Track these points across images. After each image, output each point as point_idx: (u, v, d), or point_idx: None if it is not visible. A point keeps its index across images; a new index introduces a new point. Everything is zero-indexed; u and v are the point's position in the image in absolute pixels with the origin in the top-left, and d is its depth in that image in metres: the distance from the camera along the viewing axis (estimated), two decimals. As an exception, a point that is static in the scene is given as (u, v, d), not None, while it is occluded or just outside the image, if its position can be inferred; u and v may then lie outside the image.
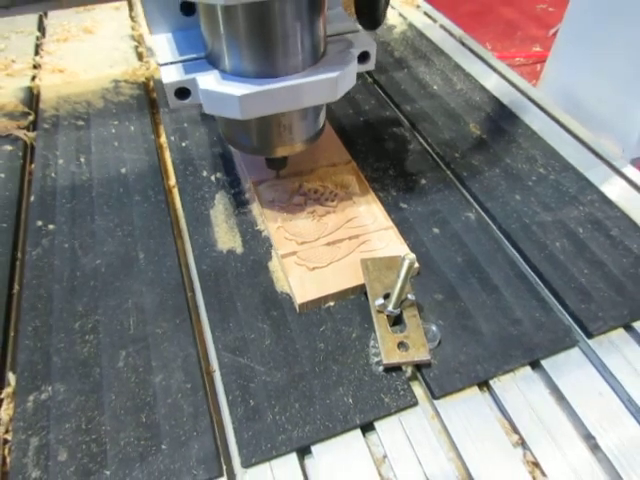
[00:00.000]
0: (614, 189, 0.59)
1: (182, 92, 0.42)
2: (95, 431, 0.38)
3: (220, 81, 0.41)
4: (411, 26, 0.90)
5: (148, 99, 0.72)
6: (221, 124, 0.51)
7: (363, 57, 0.45)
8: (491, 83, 0.76)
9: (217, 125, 0.52)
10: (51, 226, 0.53)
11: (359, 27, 0.47)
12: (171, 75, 0.41)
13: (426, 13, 0.94)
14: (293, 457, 0.38)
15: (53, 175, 0.59)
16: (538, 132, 0.66)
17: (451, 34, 0.88)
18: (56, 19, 0.89)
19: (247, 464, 0.37)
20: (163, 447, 0.37)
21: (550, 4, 2.36)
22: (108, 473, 0.36)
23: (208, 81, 0.41)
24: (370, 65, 0.46)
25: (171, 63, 0.43)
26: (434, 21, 0.92)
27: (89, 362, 0.42)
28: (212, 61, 0.43)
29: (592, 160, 0.63)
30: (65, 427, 0.38)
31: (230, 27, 0.39)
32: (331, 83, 0.42)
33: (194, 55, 0.43)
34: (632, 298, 0.47)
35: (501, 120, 0.68)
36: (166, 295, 0.47)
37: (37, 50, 0.81)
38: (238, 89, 0.40)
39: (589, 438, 0.39)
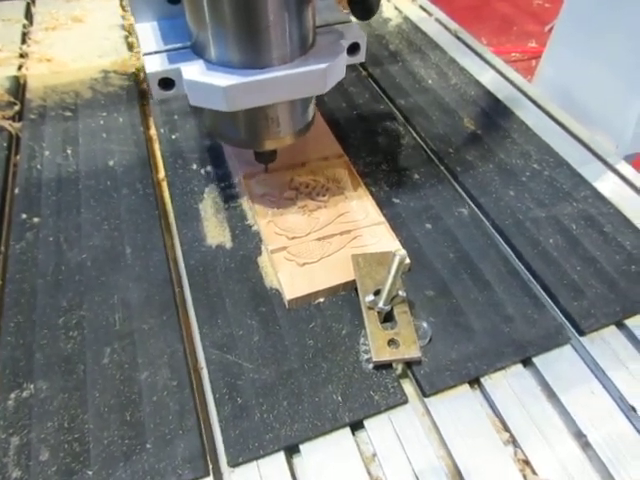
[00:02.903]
0: (608, 185, 0.58)
1: (166, 83, 0.40)
2: (78, 430, 0.37)
3: (205, 71, 0.40)
4: (406, 19, 0.89)
5: (138, 90, 0.70)
6: (207, 116, 0.50)
7: (353, 49, 0.44)
8: (486, 78, 0.75)
9: (203, 118, 0.51)
10: (36, 219, 0.52)
11: (349, 18, 0.45)
12: (154, 65, 0.40)
13: (421, 6, 0.93)
14: (281, 456, 0.37)
15: (39, 167, 0.58)
16: (533, 128, 0.65)
17: (446, 28, 0.87)
18: (44, 7, 0.87)
19: (234, 463, 0.36)
20: (148, 446, 0.36)
21: (546, 0, 2.35)
22: (90, 473, 0.35)
23: (192, 71, 0.40)
24: (360, 57, 0.45)
25: (155, 52, 0.41)
26: (429, 15, 0.91)
27: (73, 359, 0.41)
28: (197, 51, 0.41)
29: (586, 156, 0.63)
30: (47, 426, 0.37)
31: (215, 15, 0.38)
32: (320, 75, 0.41)
33: (179, 44, 0.42)
34: (624, 295, 0.46)
35: (496, 115, 0.67)
36: (153, 290, 0.46)
37: (24, 39, 0.79)
38: (223, 80, 0.38)
39: (580, 436, 0.39)
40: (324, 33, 0.44)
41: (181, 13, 0.42)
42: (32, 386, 0.39)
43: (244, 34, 0.38)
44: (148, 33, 0.43)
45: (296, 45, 0.41)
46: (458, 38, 0.84)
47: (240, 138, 0.48)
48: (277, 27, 0.38)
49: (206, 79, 0.39)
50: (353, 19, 0.46)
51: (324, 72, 0.40)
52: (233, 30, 0.38)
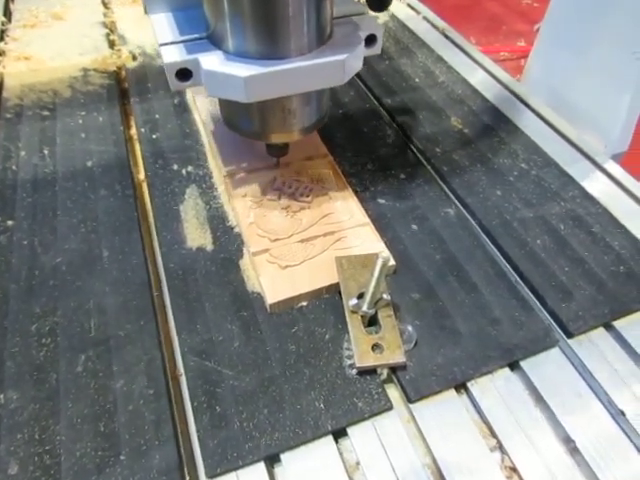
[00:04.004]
0: (596, 185, 0.58)
1: (183, 73, 0.40)
2: (49, 441, 0.36)
3: (224, 62, 0.39)
4: (393, 17, 0.88)
5: (119, 89, 0.69)
6: (222, 107, 0.49)
7: (369, 40, 0.44)
8: (474, 76, 0.74)
9: (219, 108, 0.51)
10: (10, 222, 0.50)
11: (366, 9, 0.45)
12: (172, 55, 0.39)
13: (409, 5, 0.92)
14: (261, 466, 0.36)
15: (14, 168, 0.56)
16: (521, 127, 0.65)
17: (434, 26, 0.87)
18: (23, 4, 0.85)
19: (212, 474, 0.35)
20: (122, 458, 0.35)
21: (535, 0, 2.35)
22: (61, 487, 0.34)
23: (212, 62, 0.39)
24: (377, 49, 0.45)
25: (171, 43, 0.41)
26: (417, 13, 0.90)
27: (45, 367, 0.40)
28: (215, 41, 0.41)
29: (574, 155, 0.62)
30: (17, 437, 0.36)
31: (235, 6, 0.38)
32: (339, 66, 0.40)
33: (195, 35, 0.42)
34: (613, 296, 0.46)
35: (483, 114, 0.67)
36: (130, 295, 0.44)
37: (2, 36, 0.77)
38: (243, 70, 0.38)
39: (568, 441, 0.38)
40: (341, 24, 0.44)
41: (194, 4, 0.42)
42: (2, 396, 0.38)
43: (264, 25, 0.38)
44: (163, 24, 0.42)
45: (314, 36, 0.41)
46: (446, 37, 0.84)
47: (254, 130, 0.47)
48: (297, 18, 0.38)
49: (226, 69, 0.39)
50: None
51: (343, 63, 0.40)
52: (253, 21, 0.38)
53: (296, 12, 0.38)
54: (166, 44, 0.41)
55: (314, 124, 0.48)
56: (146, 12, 0.44)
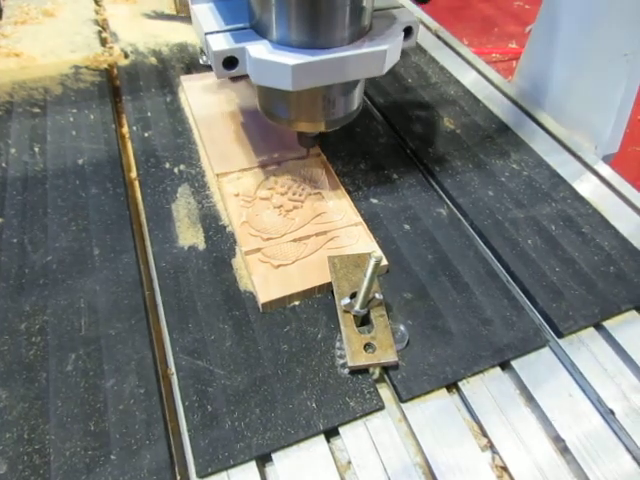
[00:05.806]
0: (586, 186, 0.58)
1: (230, 62, 0.41)
2: (39, 441, 0.35)
3: (272, 50, 0.40)
4: (387, 18, 0.88)
5: (110, 87, 0.68)
6: (260, 96, 0.50)
7: (406, 32, 0.45)
8: (466, 77, 0.74)
9: (257, 96, 0.51)
10: (-1, 220, 0.50)
11: (401, 3, 0.46)
12: (220, 44, 0.40)
13: (402, 5, 0.92)
14: (252, 465, 0.36)
15: (3, 165, 0.55)
16: (512, 128, 0.65)
17: (427, 27, 0.87)
18: (14, 0, 0.84)
19: (203, 474, 0.35)
20: (112, 457, 0.35)
21: (526, 2, 2.37)
22: (50, 487, 0.33)
23: (259, 50, 0.40)
24: (412, 41, 0.46)
25: (216, 32, 0.42)
26: (410, 13, 0.91)
27: (35, 366, 0.39)
28: (260, 31, 0.42)
29: (565, 156, 0.63)
30: (6, 437, 0.36)
31: None
32: (380, 56, 0.42)
33: (240, 25, 0.43)
34: (603, 297, 0.46)
35: (475, 115, 0.67)
36: (122, 294, 0.44)
37: (-8, 32, 0.76)
38: (291, 59, 0.39)
39: (558, 440, 0.38)
40: (379, 17, 0.45)
41: None
42: (-10, 396, 0.38)
43: (310, 15, 0.39)
44: (207, 14, 0.43)
45: (357, 27, 0.41)
46: (438, 37, 0.84)
47: (291, 119, 0.47)
48: (342, 8, 0.39)
49: (274, 58, 0.39)
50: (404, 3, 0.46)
51: (385, 53, 0.41)
52: (300, 11, 0.39)
53: (341, 3, 0.39)
54: (212, 33, 0.41)
55: (350, 114, 0.49)
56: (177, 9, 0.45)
